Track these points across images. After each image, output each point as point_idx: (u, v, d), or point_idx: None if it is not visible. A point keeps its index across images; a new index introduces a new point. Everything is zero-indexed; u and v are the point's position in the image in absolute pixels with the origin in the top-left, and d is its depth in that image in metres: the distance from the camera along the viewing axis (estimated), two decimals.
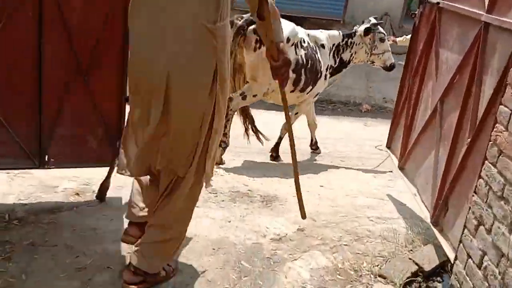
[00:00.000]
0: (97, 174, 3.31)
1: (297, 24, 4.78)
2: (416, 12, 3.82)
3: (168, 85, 2.09)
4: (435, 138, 3.17)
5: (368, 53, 5.32)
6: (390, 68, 5.55)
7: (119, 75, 2.96)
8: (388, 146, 4.16)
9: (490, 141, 2.23)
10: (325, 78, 5.06)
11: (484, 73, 2.62)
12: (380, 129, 6.43)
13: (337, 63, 5.22)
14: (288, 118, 2.39)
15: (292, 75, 4.43)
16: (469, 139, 2.62)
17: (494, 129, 2.21)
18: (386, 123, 4.86)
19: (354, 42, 5.23)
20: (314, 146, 5.68)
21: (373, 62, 5.48)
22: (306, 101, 5.05)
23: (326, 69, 5.03)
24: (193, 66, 2.08)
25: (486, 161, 2.26)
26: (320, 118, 6.05)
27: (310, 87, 4.84)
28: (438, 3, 3.34)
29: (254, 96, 4.54)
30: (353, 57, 5.34)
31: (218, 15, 2.03)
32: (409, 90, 3.79)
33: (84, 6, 2.79)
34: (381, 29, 5.38)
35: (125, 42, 2.81)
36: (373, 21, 5.32)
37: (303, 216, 2.58)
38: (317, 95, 5.14)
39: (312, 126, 5.53)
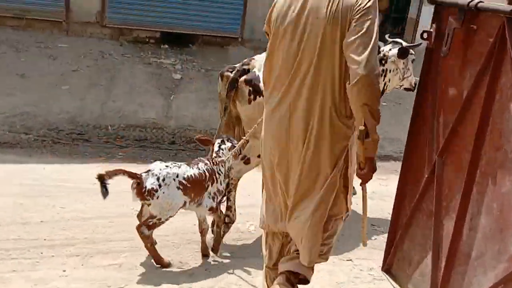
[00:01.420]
0: None
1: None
2: (431, 30, 2.53)
3: None
4: None
5: (401, 79, 4.65)
6: (414, 87, 4.74)
7: None
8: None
9: None
10: None
11: None
12: None
13: None
14: (365, 212, 2.51)
15: None
16: None
17: None
18: None
19: (387, 69, 4.53)
20: None
21: (401, 86, 4.81)
22: None
23: None
24: None
25: None
26: None
27: None
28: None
29: (259, 156, 3.67)
30: (387, 86, 4.64)
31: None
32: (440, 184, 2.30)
33: None
34: (412, 51, 4.68)
35: None
36: (400, 41, 4.63)
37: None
38: None
39: None
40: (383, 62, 4.52)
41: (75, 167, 5.60)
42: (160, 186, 3.26)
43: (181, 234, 4.19)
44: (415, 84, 4.82)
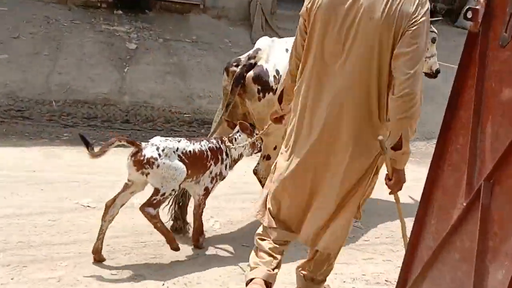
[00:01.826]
0: None
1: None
2: (477, 7, 1.78)
3: None
4: None
5: None
6: (436, 74, 4.66)
7: None
8: None
9: None
10: None
11: None
12: None
13: None
14: (402, 220, 2.41)
15: None
16: None
17: None
18: None
19: None
20: None
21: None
22: None
23: None
24: None
25: None
26: None
27: None
28: None
29: (275, 148, 3.78)
30: None
31: None
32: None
33: None
34: (433, 28, 4.47)
35: None
36: None
37: None
38: None
39: None
40: None
41: (10, 151, 4.90)
42: (159, 155, 3.15)
43: (134, 235, 3.61)
44: (437, 70, 4.63)
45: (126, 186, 3.25)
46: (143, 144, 3.20)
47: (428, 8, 2.19)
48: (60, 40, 7.12)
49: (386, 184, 2.39)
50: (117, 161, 4.86)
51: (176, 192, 3.34)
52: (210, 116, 6.62)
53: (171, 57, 7.46)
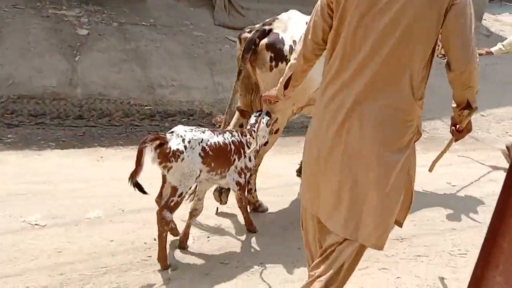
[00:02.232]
0: None
1: None
2: None
3: None
4: None
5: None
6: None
7: None
8: None
9: None
10: None
11: None
12: None
13: None
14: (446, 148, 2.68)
15: None
16: None
17: None
18: None
19: None
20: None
21: (444, 56, 4.08)
22: None
23: None
24: None
25: None
26: None
27: None
28: None
29: (276, 132, 3.63)
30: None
31: None
32: None
33: None
34: None
35: None
36: None
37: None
38: None
39: None
40: None
41: None
42: (185, 148, 2.96)
43: (92, 259, 3.04)
44: None
45: (165, 179, 3.10)
46: (168, 135, 2.96)
47: None
48: (1, 28, 6.36)
49: (454, 134, 2.54)
50: (69, 165, 4.30)
51: (192, 191, 3.21)
52: (174, 107, 6.06)
53: (128, 43, 6.82)
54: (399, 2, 2.09)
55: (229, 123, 3.66)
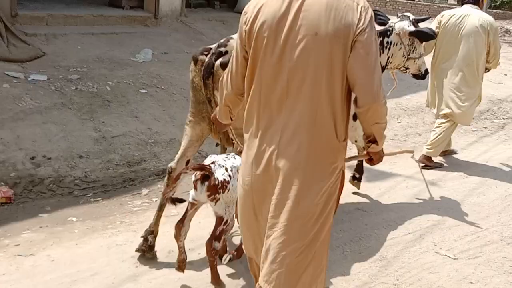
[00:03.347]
0: None
1: None
2: None
3: None
4: None
5: (405, 57, 4.33)
6: (424, 75, 4.64)
7: None
8: None
9: None
10: None
11: None
12: None
13: None
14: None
15: None
16: None
17: None
18: None
19: (391, 42, 4.22)
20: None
21: (406, 69, 4.49)
22: None
23: None
24: None
25: None
26: None
27: None
28: None
29: None
30: (389, 61, 4.28)
31: None
32: None
33: None
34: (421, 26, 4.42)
35: None
36: (413, 16, 4.38)
37: None
38: None
39: None
40: (388, 33, 4.21)
41: None
42: (230, 177, 2.94)
43: None
44: (426, 71, 4.58)
45: (192, 205, 3.11)
46: (211, 166, 2.96)
47: (372, 13, 2.13)
48: None
49: (367, 162, 2.58)
50: None
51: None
52: None
53: None
54: (304, 41, 2.06)
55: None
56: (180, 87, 6.56)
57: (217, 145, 3.82)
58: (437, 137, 5.44)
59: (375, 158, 2.49)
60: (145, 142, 5.30)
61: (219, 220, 3.00)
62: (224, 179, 2.91)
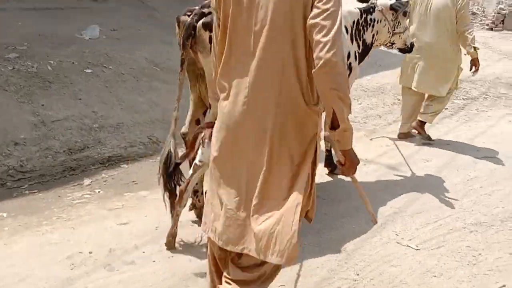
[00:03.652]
0: None
1: None
2: None
3: None
4: None
5: (390, 32, 4.32)
6: (410, 48, 4.62)
7: None
8: None
9: None
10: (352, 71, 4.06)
11: None
12: None
13: (361, 48, 4.16)
14: (363, 197, 2.58)
15: None
16: None
17: None
18: None
19: (374, 19, 4.20)
20: None
21: (392, 44, 4.50)
22: None
23: (355, 59, 4.09)
24: None
25: None
26: None
27: None
28: None
29: None
30: (375, 39, 4.28)
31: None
32: None
33: None
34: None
35: None
36: None
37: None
38: None
39: None
40: (371, 11, 4.20)
41: None
42: None
43: None
44: (412, 44, 4.64)
45: (197, 168, 3.11)
46: None
47: None
48: None
49: (340, 170, 2.27)
50: None
51: None
52: None
53: None
54: (268, 4, 2.06)
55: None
56: (129, 67, 6.13)
57: None
58: (436, 106, 5.46)
59: (347, 160, 2.19)
60: (89, 127, 4.89)
61: None
62: None
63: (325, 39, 1.98)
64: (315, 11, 2.02)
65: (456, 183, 4.58)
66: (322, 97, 2.12)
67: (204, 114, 3.52)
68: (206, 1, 3.23)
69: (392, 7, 4.23)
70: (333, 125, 2.09)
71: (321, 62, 1.97)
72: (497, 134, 5.97)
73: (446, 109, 6.48)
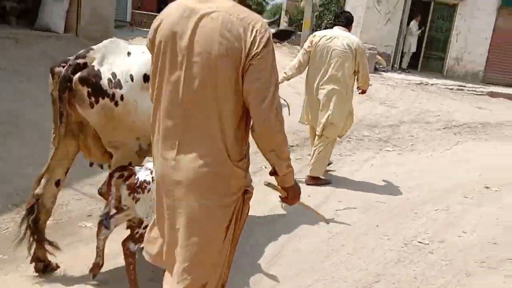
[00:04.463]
0: None
1: None
2: None
3: None
4: None
5: None
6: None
7: None
8: None
9: None
10: None
11: None
12: None
13: None
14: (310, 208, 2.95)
15: None
16: None
17: None
18: None
19: None
20: None
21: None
22: None
23: None
24: None
25: None
26: None
27: None
28: None
29: (130, 164, 3.27)
30: None
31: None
32: None
33: None
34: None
35: None
36: (266, 20, 3.71)
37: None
38: None
39: None
40: None
41: None
42: (152, 179, 2.92)
43: None
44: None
45: (121, 210, 3.06)
46: (136, 167, 3.05)
47: (269, 36, 2.10)
48: None
49: (284, 201, 2.40)
50: None
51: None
52: None
53: None
54: (199, 57, 2.07)
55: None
56: None
57: (91, 165, 3.59)
58: (318, 155, 5.70)
59: (289, 194, 2.35)
60: None
61: (139, 222, 3.03)
62: (145, 180, 2.96)
63: (263, 106, 2.06)
64: (250, 76, 2.06)
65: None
66: (263, 154, 2.23)
67: (66, 174, 3.33)
68: (82, 51, 3.14)
69: (274, 36, 4.21)
70: (275, 171, 2.25)
71: (260, 128, 2.09)
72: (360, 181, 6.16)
73: (308, 155, 6.44)
